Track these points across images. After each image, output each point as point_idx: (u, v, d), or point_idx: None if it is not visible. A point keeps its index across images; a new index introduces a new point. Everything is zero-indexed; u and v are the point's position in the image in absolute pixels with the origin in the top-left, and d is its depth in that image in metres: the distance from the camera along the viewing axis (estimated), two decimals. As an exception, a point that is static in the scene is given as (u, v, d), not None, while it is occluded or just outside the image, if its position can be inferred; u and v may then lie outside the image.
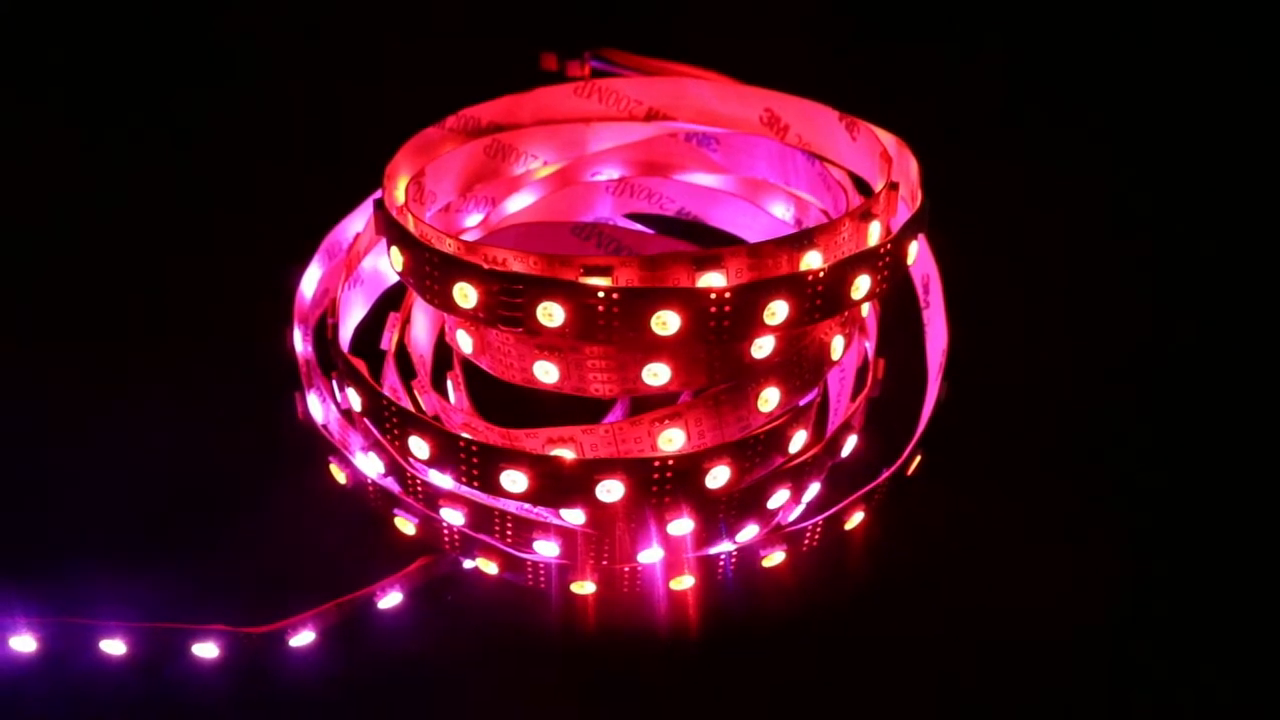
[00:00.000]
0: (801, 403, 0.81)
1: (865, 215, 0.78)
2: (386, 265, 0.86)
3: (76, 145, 1.28)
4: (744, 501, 0.79)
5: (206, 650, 0.83)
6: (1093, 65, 1.33)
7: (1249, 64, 1.32)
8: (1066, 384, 1.04)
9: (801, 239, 0.75)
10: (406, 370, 0.89)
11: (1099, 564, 0.89)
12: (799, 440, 0.80)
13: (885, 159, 0.83)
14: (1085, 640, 0.84)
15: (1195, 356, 1.07)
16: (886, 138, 0.86)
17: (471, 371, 0.86)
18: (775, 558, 0.82)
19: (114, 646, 0.83)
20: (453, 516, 0.81)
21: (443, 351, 0.91)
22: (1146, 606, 0.87)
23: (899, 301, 0.93)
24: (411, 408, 0.83)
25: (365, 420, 0.82)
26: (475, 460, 0.75)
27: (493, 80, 0.94)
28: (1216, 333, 1.09)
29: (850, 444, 0.84)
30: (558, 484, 0.75)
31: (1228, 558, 0.90)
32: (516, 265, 0.73)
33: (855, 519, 0.85)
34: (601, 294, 0.71)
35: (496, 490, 0.76)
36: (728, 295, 0.71)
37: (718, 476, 0.76)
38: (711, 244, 0.90)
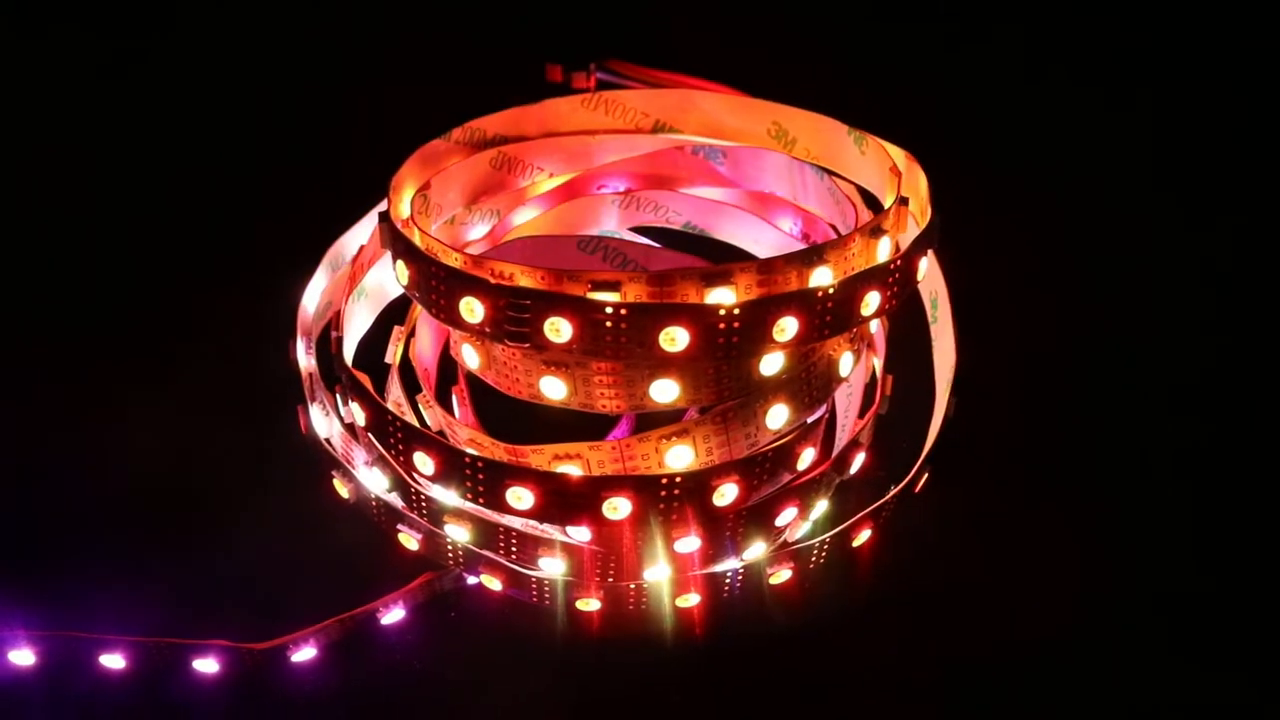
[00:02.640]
0: (810, 419, 0.80)
1: (875, 231, 0.77)
2: (391, 278, 0.85)
3: (79, 148, 1.27)
4: (751, 519, 0.78)
5: (207, 665, 0.83)
6: (1103, 76, 1.33)
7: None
8: (1073, 398, 1.04)
9: (811, 255, 0.74)
10: (411, 384, 0.88)
11: (1102, 574, 0.90)
12: (807, 458, 0.79)
13: (895, 174, 0.82)
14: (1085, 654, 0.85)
15: (1206, 369, 1.07)
16: (896, 152, 0.85)
17: (476, 385, 0.85)
18: (782, 575, 0.82)
19: (114, 661, 0.83)
20: (457, 532, 0.80)
21: (447, 365, 0.90)
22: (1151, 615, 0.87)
23: (906, 316, 0.93)
24: (416, 422, 0.82)
25: (369, 435, 0.81)
26: (481, 477, 0.74)
27: (499, 91, 0.93)
28: (1226, 346, 1.09)
29: (858, 461, 0.83)
30: (564, 501, 0.74)
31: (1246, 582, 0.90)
32: (524, 280, 0.72)
33: (863, 536, 0.84)
34: (610, 309, 0.70)
35: (503, 507, 0.75)
36: (737, 311, 0.70)
37: (725, 494, 0.75)
38: (719, 257, 0.89)
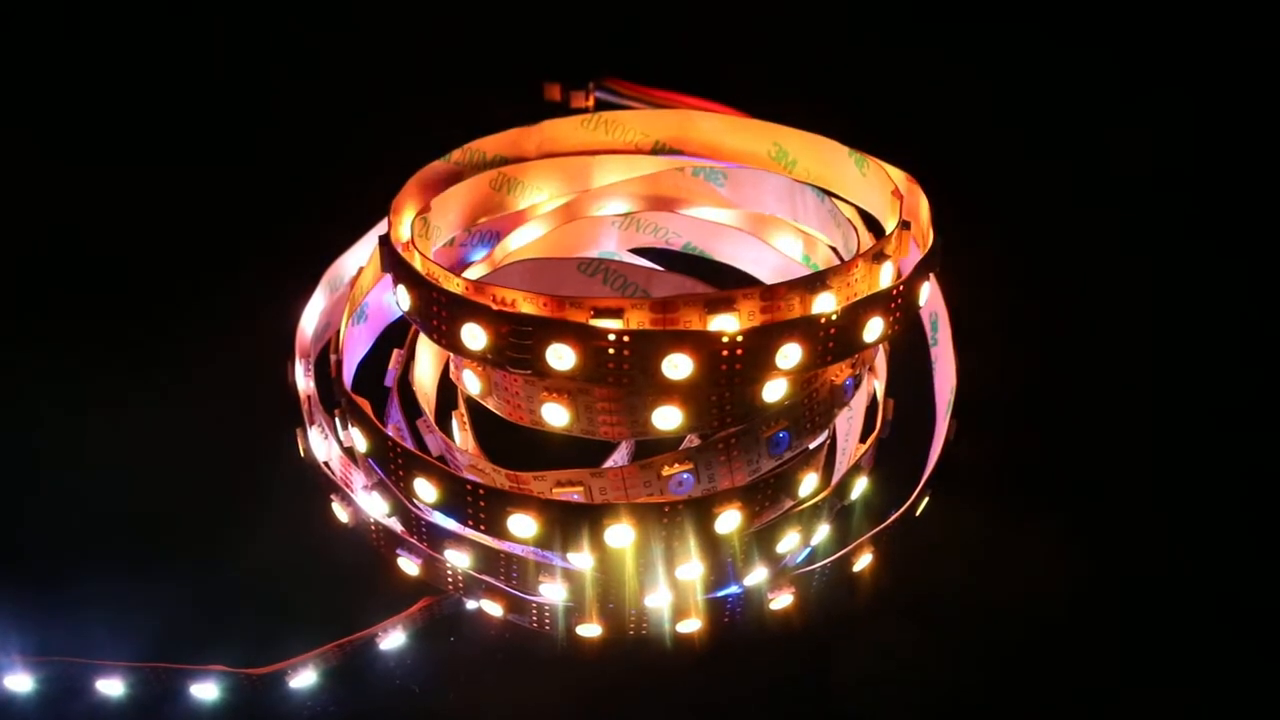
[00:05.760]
0: (811, 445, 0.80)
1: (878, 256, 0.77)
2: (391, 300, 0.85)
3: (84, 167, 1.27)
4: (753, 545, 0.78)
5: (205, 691, 0.82)
6: (1103, 95, 1.33)
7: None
8: (1073, 419, 1.04)
9: (814, 281, 0.73)
10: (411, 408, 0.87)
11: (1104, 595, 0.90)
12: (809, 483, 0.79)
13: (896, 196, 0.82)
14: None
15: (1205, 390, 1.07)
16: (896, 174, 0.85)
17: (476, 410, 0.85)
18: (783, 600, 0.81)
19: (111, 687, 0.82)
20: (457, 558, 0.80)
21: (447, 389, 0.90)
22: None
23: (907, 338, 0.92)
24: (416, 448, 0.82)
25: (369, 460, 0.81)
26: (483, 504, 0.74)
27: (498, 112, 0.93)
28: (1225, 368, 1.09)
29: (860, 486, 0.83)
30: (566, 528, 0.74)
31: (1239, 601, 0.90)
32: (526, 306, 0.72)
33: (864, 560, 0.84)
34: (612, 336, 0.70)
35: (504, 534, 0.75)
36: (740, 338, 0.70)
37: (727, 521, 0.75)
38: (719, 280, 0.89)
